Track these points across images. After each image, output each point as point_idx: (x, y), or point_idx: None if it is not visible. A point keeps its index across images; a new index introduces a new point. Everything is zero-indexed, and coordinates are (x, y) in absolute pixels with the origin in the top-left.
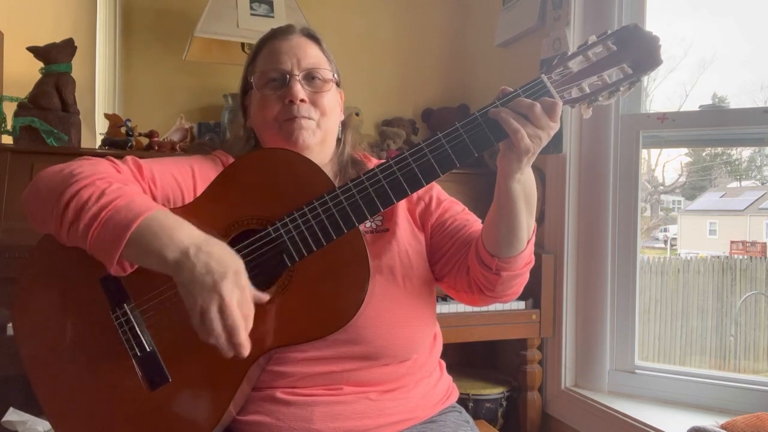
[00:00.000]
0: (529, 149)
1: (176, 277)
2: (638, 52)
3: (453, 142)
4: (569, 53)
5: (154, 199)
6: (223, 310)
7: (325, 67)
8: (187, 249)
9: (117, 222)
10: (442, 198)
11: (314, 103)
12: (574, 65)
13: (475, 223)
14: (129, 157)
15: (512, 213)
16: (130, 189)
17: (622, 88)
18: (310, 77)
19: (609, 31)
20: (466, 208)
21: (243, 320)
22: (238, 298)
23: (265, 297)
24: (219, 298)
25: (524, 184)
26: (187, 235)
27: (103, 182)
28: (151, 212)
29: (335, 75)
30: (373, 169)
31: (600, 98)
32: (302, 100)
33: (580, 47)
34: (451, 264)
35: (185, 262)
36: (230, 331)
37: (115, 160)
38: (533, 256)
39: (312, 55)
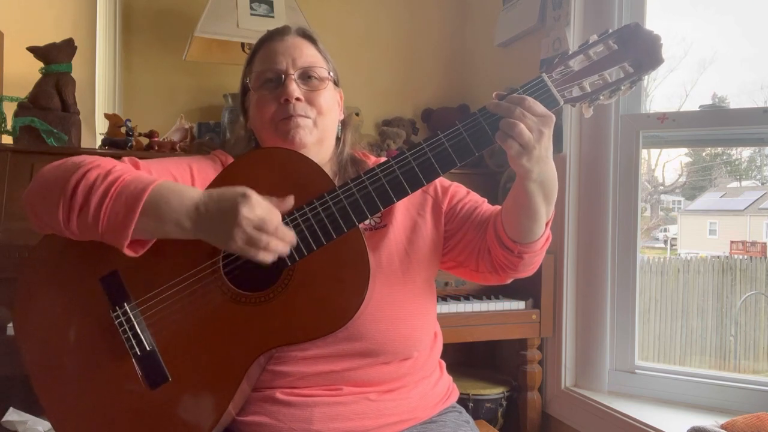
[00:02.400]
0: (521, 153)
1: (205, 237)
2: (639, 51)
3: (453, 140)
4: (570, 52)
5: None
6: (258, 228)
7: (321, 66)
8: (197, 206)
9: (129, 194)
10: (445, 185)
11: (310, 102)
12: (575, 64)
13: (483, 204)
14: (125, 158)
15: (530, 208)
16: (132, 169)
17: (623, 87)
18: (305, 76)
19: (610, 30)
20: (470, 190)
21: (277, 220)
22: (260, 209)
23: (290, 201)
24: (249, 224)
25: (541, 182)
26: (192, 195)
27: (107, 163)
28: (158, 181)
29: (332, 74)
30: (373, 168)
31: (601, 97)
32: (298, 99)
33: (581, 46)
34: (470, 248)
35: (201, 222)
36: (276, 236)
37: (113, 160)
38: (551, 232)
39: (307, 55)
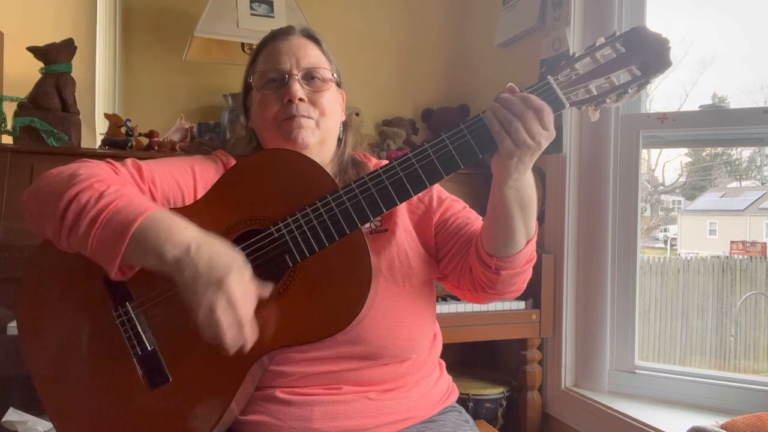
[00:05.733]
0: (512, 153)
1: (178, 276)
2: (647, 54)
3: (457, 143)
4: (577, 55)
5: (154, 200)
6: (231, 305)
7: (325, 67)
8: (189, 246)
9: (117, 223)
10: (443, 197)
11: (313, 103)
12: (581, 67)
13: (476, 222)
14: (129, 160)
15: (506, 217)
16: (128, 190)
17: (630, 90)
18: (309, 77)
19: (617, 33)
20: (467, 206)
21: (248, 315)
22: (243, 292)
23: (267, 291)
24: (226, 293)
25: (519, 189)
26: (187, 233)
27: (101, 185)
28: (150, 211)
29: (335, 75)
30: (376, 170)
31: (608, 100)
32: (301, 99)
33: (588, 49)
34: (454, 263)
35: (186, 260)
36: (238, 326)
37: (115, 162)
38: (535, 253)
39: (311, 55)
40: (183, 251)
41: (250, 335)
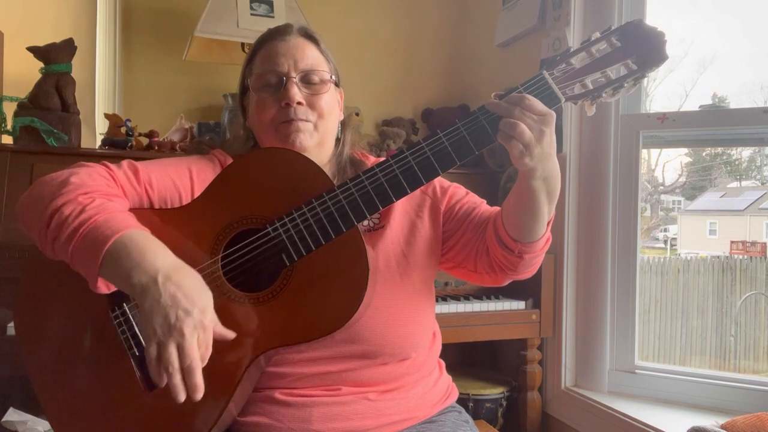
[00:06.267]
0: (522, 153)
1: (139, 302)
2: (643, 48)
3: (453, 139)
4: (572, 49)
5: (150, 202)
6: (181, 349)
7: (323, 68)
8: (156, 275)
9: (93, 239)
10: (445, 185)
11: (311, 106)
12: (577, 61)
13: (481, 205)
14: (125, 162)
15: (533, 207)
16: (112, 205)
17: (626, 85)
18: (307, 79)
19: (612, 27)
20: (469, 191)
21: (200, 361)
22: (199, 338)
23: (230, 335)
24: (179, 335)
25: (547, 180)
26: (160, 259)
27: (86, 198)
28: (127, 231)
29: (333, 75)
30: (372, 168)
31: (604, 95)
32: (299, 103)
33: (583, 43)
34: (468, 248)
35: (151, 289)
36: (185, 372)
37: (111, 165)
38: (551, 234)
39: (309, 56)
40: (150, 279)
41: (200, 383)
